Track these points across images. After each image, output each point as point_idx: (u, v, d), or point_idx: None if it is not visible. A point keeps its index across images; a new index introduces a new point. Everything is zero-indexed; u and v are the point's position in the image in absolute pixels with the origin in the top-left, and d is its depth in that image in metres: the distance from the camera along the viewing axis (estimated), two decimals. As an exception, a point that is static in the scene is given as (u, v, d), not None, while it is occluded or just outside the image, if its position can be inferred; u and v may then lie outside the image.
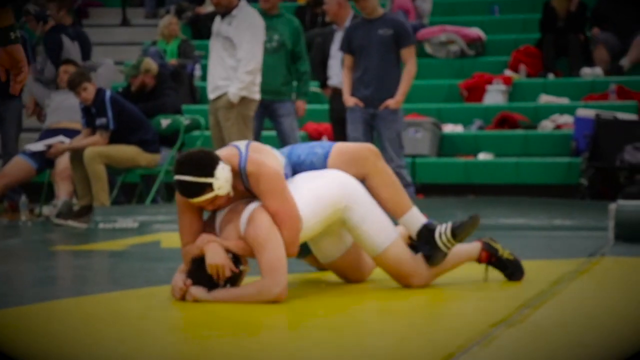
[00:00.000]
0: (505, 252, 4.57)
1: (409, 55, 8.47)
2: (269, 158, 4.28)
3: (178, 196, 4.18)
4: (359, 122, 8.58)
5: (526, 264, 4.82)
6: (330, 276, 4.75)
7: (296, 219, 4.14)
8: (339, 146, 4.55)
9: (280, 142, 8.96)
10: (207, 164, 4.10)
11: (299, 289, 4.37)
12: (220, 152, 4.27)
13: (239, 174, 4.18)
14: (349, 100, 8.59)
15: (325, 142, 4.65)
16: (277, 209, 4.10)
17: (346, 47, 8.67)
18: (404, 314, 3.93)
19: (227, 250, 4.07)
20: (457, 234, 4.42)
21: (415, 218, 4.51)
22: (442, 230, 4.43)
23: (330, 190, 4.29)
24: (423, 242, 4.43)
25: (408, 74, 8.45)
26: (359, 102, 8.54)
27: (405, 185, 8.54)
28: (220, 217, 4.20)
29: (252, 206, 4.15)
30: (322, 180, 4.34)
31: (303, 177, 4.37)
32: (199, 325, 3.66)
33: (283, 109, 8.96)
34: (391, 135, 8.39)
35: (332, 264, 4.55)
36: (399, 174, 8.56)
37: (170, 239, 6.72)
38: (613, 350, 3.14)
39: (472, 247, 4.57)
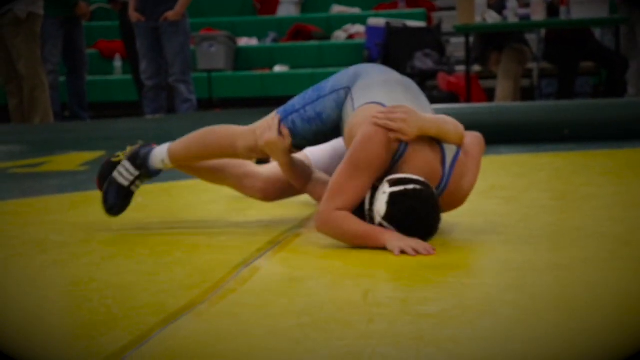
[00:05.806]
0: None
1: None
2: None
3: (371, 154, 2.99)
4: (144, 37, 8.46)
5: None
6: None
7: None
8: None
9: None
10: None
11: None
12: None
13: None
14: (132, 16, 8.44)
15: None
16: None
17: (131, -42, 8.49)
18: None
19: None
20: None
21: None
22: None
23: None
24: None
25: (188, -17, 8.36)
26: (141, 16, 8.40)
27: (182, 101, 8.48)
28: None
29: None
30: None
31: None
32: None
33: None
34: (174, 48, 8.25)
35: None
36: (176, 88, 8.49)
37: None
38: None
39: None
